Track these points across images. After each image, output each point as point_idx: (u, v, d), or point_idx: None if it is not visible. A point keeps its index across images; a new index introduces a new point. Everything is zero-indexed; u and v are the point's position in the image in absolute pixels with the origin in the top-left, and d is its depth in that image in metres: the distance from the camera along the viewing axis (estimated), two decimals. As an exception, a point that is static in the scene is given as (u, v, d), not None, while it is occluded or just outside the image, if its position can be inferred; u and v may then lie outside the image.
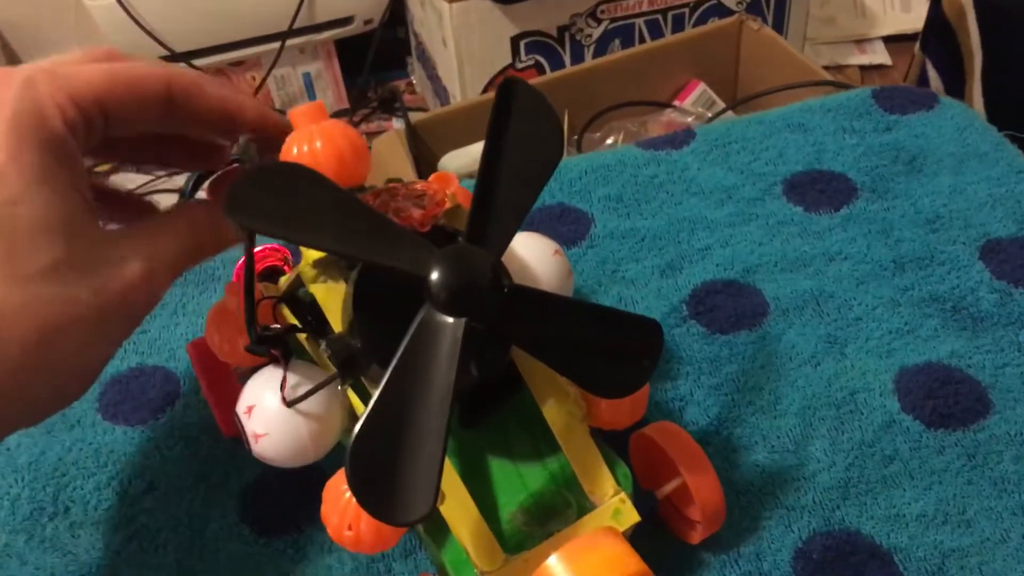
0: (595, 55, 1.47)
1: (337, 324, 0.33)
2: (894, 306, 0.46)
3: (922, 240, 0.49)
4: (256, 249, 0.43)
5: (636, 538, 0.37)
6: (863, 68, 1.69)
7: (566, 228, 0.52)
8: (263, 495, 0.42)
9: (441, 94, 1.56)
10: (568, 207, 0.53)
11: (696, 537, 0.38)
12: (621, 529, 0.34)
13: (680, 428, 0.37)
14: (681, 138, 0.57)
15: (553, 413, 0.35)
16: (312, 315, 0.35)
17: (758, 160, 0.55)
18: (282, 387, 0.34)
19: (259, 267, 0.43)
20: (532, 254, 0.38)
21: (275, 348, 0.34)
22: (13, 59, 1.75)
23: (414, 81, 1.77)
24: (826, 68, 1.68)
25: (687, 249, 0.50)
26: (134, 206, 0.38)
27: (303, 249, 0.34)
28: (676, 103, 1.31)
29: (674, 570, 0.38)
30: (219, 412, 0.42)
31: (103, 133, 0.31)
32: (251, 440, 0.35)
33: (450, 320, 0.30)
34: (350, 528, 0.32)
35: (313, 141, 0.34)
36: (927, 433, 0.41)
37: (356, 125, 1.66)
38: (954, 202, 0.51)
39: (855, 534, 0.38)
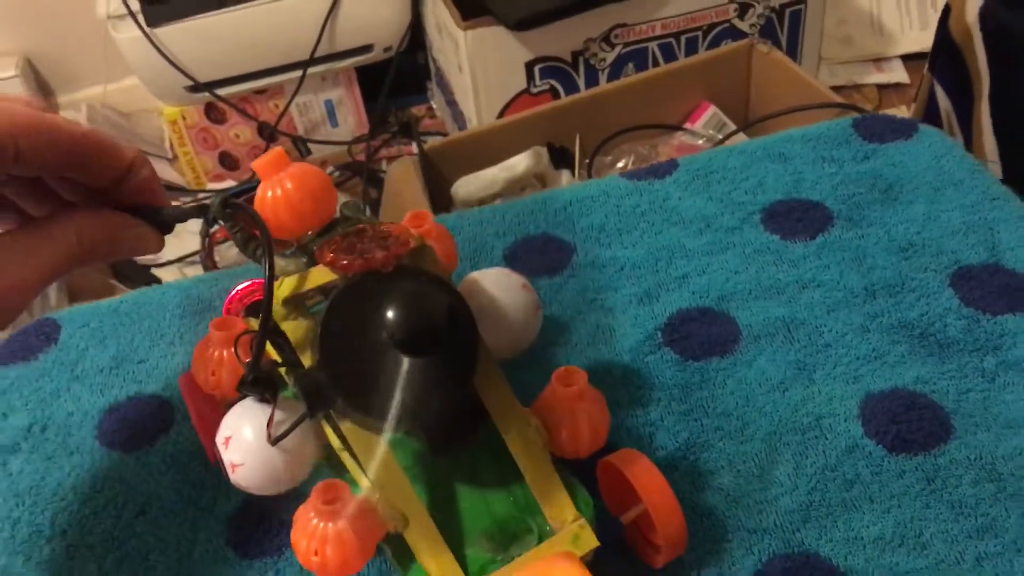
0: (609, 79, 1.49)
1: (307, 359, 0.35)
2: (863, 332, 0.47)
3: (894, 267, 0.50)
4: (242, 285, 0.45)
5: (603, 562, 0.39)
6: (880, 87, 1.69)
7: (548, 258, 0.54)
8: (247, 519, 0.44)
9: (459, 119, 1.59)
10: (551, 237, 0.55)
11: (660, 561, 0.39)
12: (580, 554, 0.35)
13: (643, 455, 0.39)
14: (664, 168, 0.58)
15: (515, 442, 0.36)
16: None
17: (738, 189, 0.56)
18: (269, 425, 0.36)
19: (244, 302, 0.45)
20: (500, 289, 0.40)
21: (266, 389, 0.36)
22: (44, 88, 1.81)
23: (434, 106, 1.80)
24: (843, 88, 1.69)
25: (664, 277, 0.52)
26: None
27: (275, 287, 0.36)
28: (687, 126, 1.32)
29: (637, 592, 0.39)
30: (206, 441, 0.44)
31: (11, 167, 0.34)
32: (229, 469, 0.37)
33: (409, 359, 0.32)
34: (316, 554, 0.33)
35: (284, 184, 0.36)
36: (888, 458, 0.42)
37: (376, 151, 1.69)
38: (927, 230, 0.52)
39: (814, 556, 0.39)
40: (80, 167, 0.36)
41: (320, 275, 0.36)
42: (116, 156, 0.37)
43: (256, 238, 0.37)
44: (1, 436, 0.48)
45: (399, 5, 1.61)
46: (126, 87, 1.76)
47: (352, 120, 1.74)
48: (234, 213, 0.37)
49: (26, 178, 0.37)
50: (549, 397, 0.37)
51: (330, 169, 1.67)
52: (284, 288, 0.35)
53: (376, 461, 0.35)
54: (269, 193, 0.36)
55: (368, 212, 0.40)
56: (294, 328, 0.35)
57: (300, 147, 1.74)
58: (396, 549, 0.36)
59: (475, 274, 0.41)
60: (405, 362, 0.32)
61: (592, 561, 0.37)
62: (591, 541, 0.36)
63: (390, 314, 0.32)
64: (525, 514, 0.37)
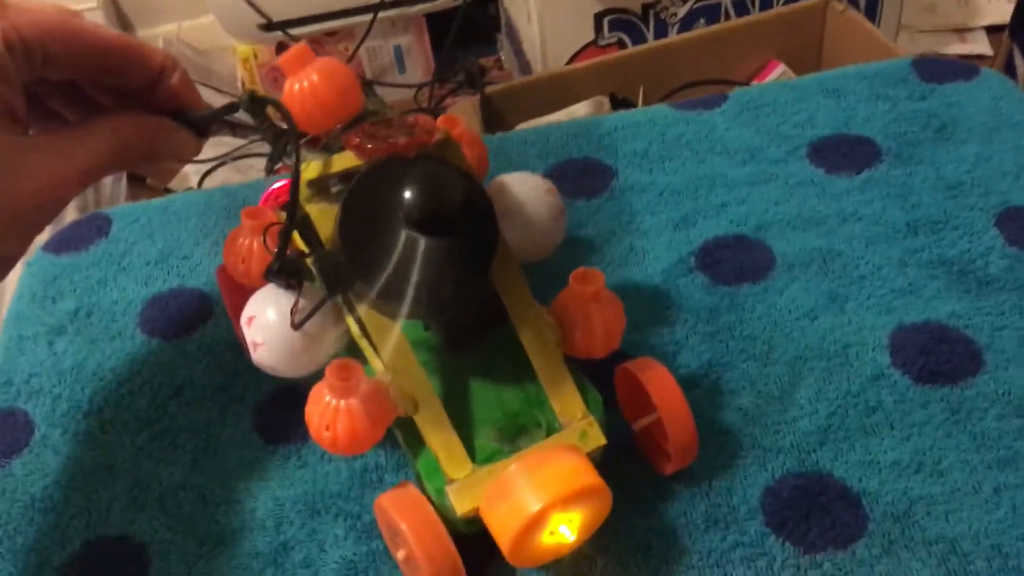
0: (679, 34, 1.46)
1: (329, 242, 0.36)
2: (901, 266, 0.47)
3: (939, 205, 0.49)
4: (279, 183, 0.46)
5: (611, 465, 0.39)
6: (962, 58, 1.64)
7: (588, 180, 0.54)
8: (274, 407, 0.45)
9: (525, 70, 1.58)
10: (593, 160, 0.55)
11: (669, 468, 0.39)
12: (586, 450, 0.36)
13: (661, 365, 0.39)
14: (715, 100, 0.58)
15: (528, 338, 0.37)
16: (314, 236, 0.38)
17: (787, 123, 0.55)
18: (292, 311, 0.36)
19: (280, 200, 0.46)
20: (524, 190, 0.40)
21: (291, 278, 0.37)
22: (124, 21, 1.84)
23: (502, 57, 1.79)
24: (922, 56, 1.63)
25: (703, 205, 0.51)
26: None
27: (301, 170, 0.36)
28: (755, 82, 1.30)
29: (646, 498, 0.39)
30: (237, 327, 0.45)
31: (40, 69, 0.34)
32: (251, 348, 0.38)
33: (424, 239, 0.33)
34: (328, 428, 0.34)
35: (311, 77, 0.37)
36: (914, 388, 0.42)
37: (442, 99, 1.70)
38: (978, 169, 0.51)
39: (827, 476, 0.39)
40: (110, 70, 0.37)
41: (346, 160, 0.36)
42: (146, 59, 0.37)
43: (285, 133, 0.37)
44: (49, 318, 0.50)
45: (472, -48, 1.60)
46: (202, 24, 1.78)
47: (420, 67, 1.75)
48: (262, 107, 0.37)
49: (63, 84, 0.38)
50: (566, 297, 0.37)
51: (392, 111, 1.68)
52: (310, 171, 0.36)
53: (390, 345, 0.35)
54: (296, 87, 0.37)
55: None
56: (318, 211, 0.36)
57: (367, 90, 1.75)
58: (407, 434, 0.37)
59: (501, 176, 0.41)
60: (421, 242, 0.33)
61: (600, 463, 0.37)
62: (598, 439, 0.36)
63: (407, 194, 0.33)
64: (535, 409, 0.37)
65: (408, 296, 0.33)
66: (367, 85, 1.39)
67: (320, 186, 0.36)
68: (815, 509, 0.38)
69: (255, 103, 0.37)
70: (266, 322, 0.37)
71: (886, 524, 0.38)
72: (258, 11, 1.57)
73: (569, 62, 1.46)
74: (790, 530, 0.38)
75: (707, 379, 0.43)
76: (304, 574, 0.39)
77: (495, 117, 1.24)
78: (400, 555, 0.37)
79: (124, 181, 1.43)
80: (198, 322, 0.49)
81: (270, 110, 0.39)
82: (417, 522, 0.35)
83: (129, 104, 0.38)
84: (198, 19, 1.79)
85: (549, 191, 0.41)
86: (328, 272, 0.35)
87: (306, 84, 0.37)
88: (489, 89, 1.24)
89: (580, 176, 0.54)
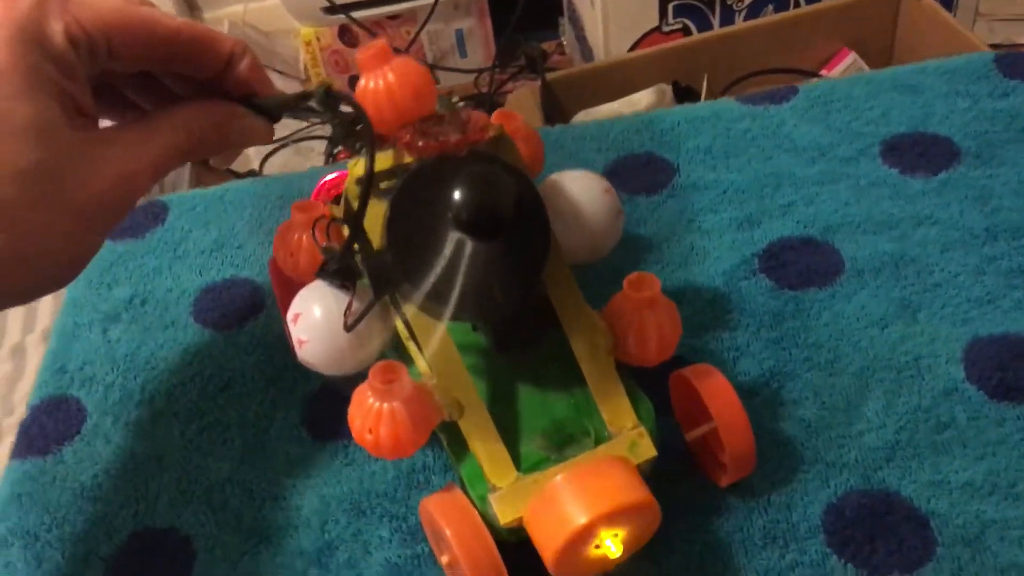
0: (746, 21, 1.43)
1: (377, 241, 0.35)
2: (978, 275, 0.44)
3: (1021, 210, 0.47)
4: (332, 175, 0.46)
5: (664, 476, 0.38)
6: (1044, 48, 1.57)
7: (648, 176, 0.52)
8: (323, 402, 0.44)
9: (587, 55, 1.56)
10: (655, 156, 0.53)
11: (724, 480, 0.38)
12: (636, 462, 0.34)
13: (716, 371, 0.37)
14: (782, 94, 0.56)
15: (579, 343, 0.36)
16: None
17: (859, 119, 0.53)
18: (346, 313, 0.36)
19: (331, 193, 0.45)
20: (580, 189, 0.39)
21: (346, 278, 0.36)
22: (193, 6, 1.86)
23: (564, 43, 1.77)
24: (1000, 46, 1.58)
25: (769, 204, 0.50)
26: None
27: (348, 166, 0.35)
28: (823, 72, 1.26)
29: (700, 511, 0.38)
30: (286, 325, 0.45)
31: (106, 62, 0.34)
32: (296, 345, 0.37)
33: (473, 242, 0.31)
34: (371, 432, 0.33)
35: (387, 76, 0.36)
36: (989, 404, 0.40)
37: (502, 84, 1.68)
38: (1064, 173, 0.48)
39: (894, 495, 0.37)
40: (179, 59, 0.36)
41: (397, 157, 0.35)
42: (214, 47, 0.36)
43: (354, 133, 0.36)
44: (105, 305, 0.50)
45: (536, -65, 1.58)
46: (267, 6, 1.79)
47: (481, 51, 1.74)
48: (335, 103, 0.36)
49: (136, 74, 0.38)
50: (619, 301, 0.36)
51: (455, 99, 1.67)
52: (359, 168, 0.35)
53: (436, 347, 0.34)
54: (371, 84, 0.36)
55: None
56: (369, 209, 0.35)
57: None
58: (452, 439, 0.36)
59: (556, 174, 0.40)
60: (469, 245, 0.32)
61: (651, 475, 0.36)
62: (649, 450, 0.35)
63: (456, 194, 0.31)
64: (584, 417, 0.36)
65: (455, 299, 0.32)
66: (428, 70, 1.36)
67: (374, 186, 0.35)
68: (880, 529, 0.36)
69: (329, 97, 0.36)
70: (312, 320, 0.36)
71: (956, 549, 0.36)
72: (322, -7, 1.57)
73: (632, 48, 1.43)
74: (853, 551, 0.36)
75: (768, 388, 0.42)
76: (348, 575, 0.38)
77: (555, 104, 1.22)
78: (444, 560, 0.36)
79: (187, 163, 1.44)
80: (250, 314, 0.49)
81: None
82: (462, 528, 0.34)
83: (201, 92, 0.38)
84: (263, 1, 1.80)
85: (606, 191, 0.39)
86: (376, 272, 0.34)
87: (381, 83, 0.35)
88: (550, 76, 1.22)
89: (641, 172, 0.52)
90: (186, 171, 1.44)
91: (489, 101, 1.59)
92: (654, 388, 0.38)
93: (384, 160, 0.36)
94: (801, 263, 0.46)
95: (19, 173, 0.31)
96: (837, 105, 0.54)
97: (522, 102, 1.19)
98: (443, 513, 0.34)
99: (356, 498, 0.41)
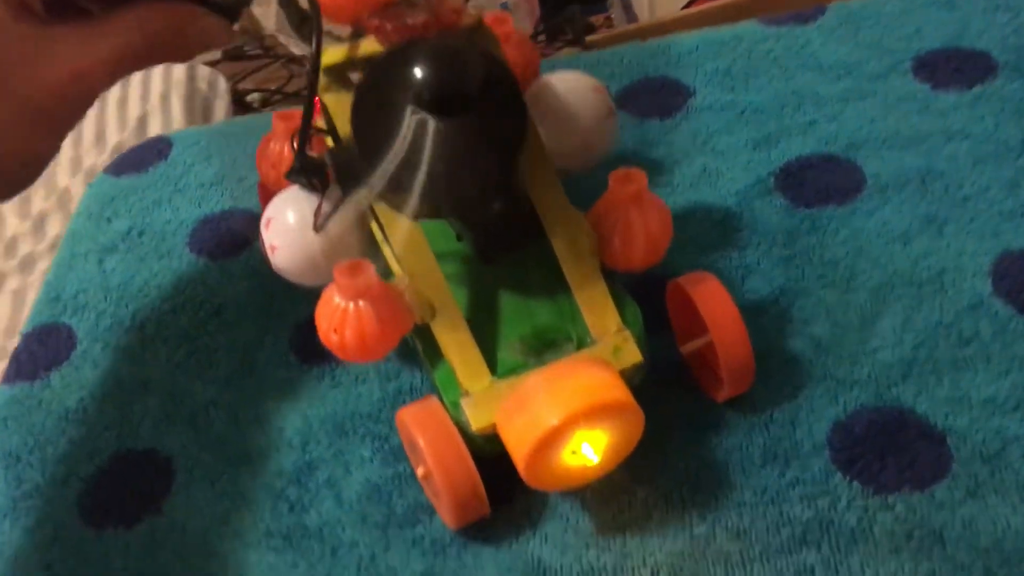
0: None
1: (346, 134, 0.33)
2: (1012, 187, 0.41)
3: (1063, 120, 0.43)
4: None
5: (663, 392, 0.36)
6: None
7: (662, 99, 0.49)
8: (313, 328, 0.42)
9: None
10: (670, 79, 0.51)
11: (721, 395, 0.35)
12: (620, 367, 0.32)
13: (714, 278, 0.34)
14: (810, 14, 0.52)
15: (562, 245, 0.33)
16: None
17: (891, 36, 0.50)
18: (316, 213, 0.34)
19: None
20: (568, 89, 0.36)
21: (314, 176, 0.34)
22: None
23: (612, 16, 1.74)
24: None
25: (789, 123, 0.46)
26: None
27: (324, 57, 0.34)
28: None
29: (699, 429, 0.35)
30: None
31: None
32: (269, 252, 0.36)
33: (435, 121, 0.29)
34: (336, 332, 0.32)
35: None
36: (1018, 319, 0.36)
37: (548, 55, 1.66)
38: (1112, 81, 0.44)
39: (908, 412, 0.34)
40: None
41: (367, 46, 0.33)
42: None
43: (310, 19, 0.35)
44: (103, 237, 0.50)
45: (584, -97, 1.56)
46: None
47: (528, 23, 1.71)
48: None
49: None
50: (604, 200, 0.33)
51: None
52: (328, 57, 0.33)
53: (406, 244, 0.33)
54: None
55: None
56: (335, 101, 0.33)
57: None
58: (426, 345, 0.34)
59: (546, 75, 0.37)
60: (431, 124, 0.29)
61: (641, 385, 0.33)
62: (633, 355, 0.32)
63: (417, 71, 0.29)
64: (567, 323, 0.33)
65: (423, 187, 0.30)
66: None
67: (339, 74, 0.34)
68: (891, 447, 0.33)
69: None
70: (284, 224, 0.35)
71: (974, 465, 0.32)
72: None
73: (681, 16, 1.40)
74: (860, 469, 0.33)
75: (777, 306, 0.39)
76: (327, 494, 0.37)
77: (598, 69, 1.19)
78: (420, 472, 0.34)
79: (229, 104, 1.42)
80: (246, 243, 0.48)
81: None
82: (435, 437, 0.32)
83: None
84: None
85: (596, 89, 0.37)
86: (341, 166, 0.32)
87: None
88: (591, 39, 1.19)
89: (655, 95, 0.50)
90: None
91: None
92: (655, 304, 0.35)
93: (359, 48, 0.34)
94: (820, 181, 0.43)
95: None
96: (867, 23, 0.51)
97: (563, 67, 1.17)
98: (417, 422, 0.32)
99: (339, 419, 0.39)
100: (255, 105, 1.64)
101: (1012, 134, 0.43)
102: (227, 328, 0.44)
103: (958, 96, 0.45)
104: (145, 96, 0.94)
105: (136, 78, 0.97)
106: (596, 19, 1.73)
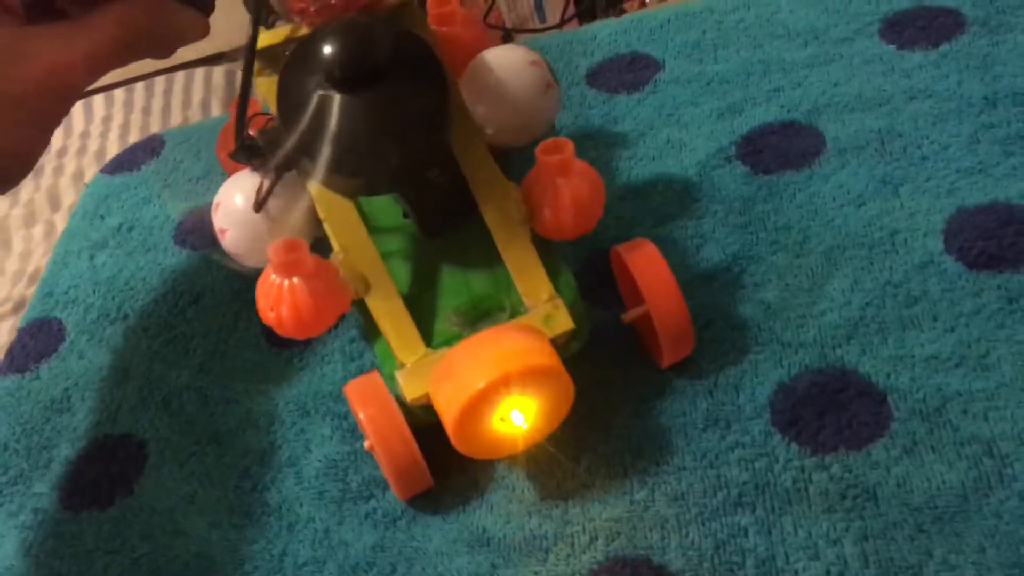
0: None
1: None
2: (971, 144, 0.40)
3: (1029, 75, 0.42)
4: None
5: (610, 360, 0.36)
6: None
7: (631, 75, 0.50)
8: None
9: (663, 8, 1.51)
10: (640, 54, 0.51)
11: (664, 362, 0.35)
12: (551, 335, 0.32)
13: (651, 244, 0.35)
14: (780, -19, 0.52)
15: (492, 216, 0.34)
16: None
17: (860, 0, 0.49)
18: (257, 194, 0.35)
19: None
20: (502, 65, 0.37)
21: (252, 154, 0.35)
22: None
23: (647, 3, 1.72)
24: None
25: (754, 92, 0.46)
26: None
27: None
28: None
29: (644, 396, 0.36)
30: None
31: None
32: (219, 236, 0.37)
33: (347, 97, 0.30)
34: (272, 309, 0.33)
35: None
36: (967, 275, 0.36)
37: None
38: (1081, 32, 0.43)
39: (851, 372, 0.34)
40: None
41: (296, 29, 0.34)
42: None
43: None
44: (96, 234, 0.52)
45: None
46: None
47: (559, 14, 1.71)
48: None
49: None
50: (533, 171, 0.34)
51: (533, 63, 1.65)
52: (262, 41, 0.34)
53: (340, 223, 0.33)
54: None
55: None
56: (267, 85, 0.34)
57: (507, 40, 1.73)
58: (366, 319, 0.34)
59: (481, 52, 0.38)
60: (337, 99, 0.30)
61: (572, 350, 0.34)
62: (565, 323, 0.33)
63: (323, 49, 0.30)
64: (503, 293, 0.34)
65: (342, 162, 0.31)
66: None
67: (272, 57, 0.35)
68: (831, 407, 0.33)
69: None
70: (232, 207, 0.36)
71: (912, 423, 0.32)
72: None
73: None
74: (799, 430, 0.33)
75: (729, 272, 0.39)
76: (288, 472, 0.38)
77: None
78: (366, 445, 0.35)
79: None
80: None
81: None
82: (376, 410, 0.33)
83: None
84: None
85: (533, 63, 0.37)
86: (270, 146, 0.33)
87: None
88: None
89: (623, 71, 0.50)
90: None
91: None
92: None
93: (289, 31, 0.35)
94: (780, 147, 0.43)
95: None
96: (837, -13, 0.50)
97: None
98: (359, 397, 0.33)
99: (303, 399, 0.40)
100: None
101: (975, 90, 0.42)
102: (204, 315, 0.45)
103: (923, 55, 0.45)
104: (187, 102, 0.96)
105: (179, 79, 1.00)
106: (629, 5, 1.72)
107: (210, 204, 0.50)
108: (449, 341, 0.33)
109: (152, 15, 0.37)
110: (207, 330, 0.44)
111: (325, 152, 0.31)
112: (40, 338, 0.47)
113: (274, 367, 0.42)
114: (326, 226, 0.35)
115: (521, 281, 0.34)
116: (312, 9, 0.33)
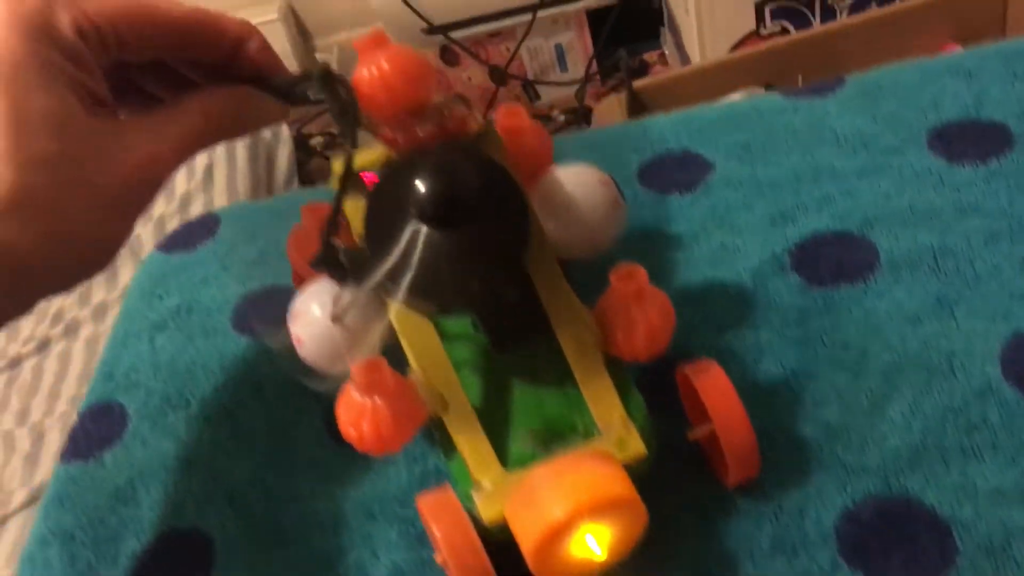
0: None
1: (360, 237, 0.36)
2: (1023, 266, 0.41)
3: (1079, 196, 0.43)
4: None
5: (672, 477, 0.37)
6: None
7: (683, 174, 0.51)
8: (344, 407, 0.45)
9: (686, 63, 1.54)
10: (691, 153, 0.52)
11: (730, 481, 0.36)
12: (623, 459, 0.33)
13: (716, 365, 0.36)
14: (828, 85, 0.53)
15: (566, 338, 0.35)
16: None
17: (907, 108, 0.50)
18: (335, 304, 0.36)
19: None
20: (574, 183, 0.38)
21: (336, 267, 0.36)
22: (303, 29, 1.93)
23: (666, 52, 1.75)
24: None
25: (805, 199, 0.47)
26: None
27: (332, 163, 0.36)
28: (926, 68, 1.20)
29: (708, 516, 0.37)
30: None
31: (117, 52, 0.35)
32: (296, 344, 0.38)
33: (436, 232, 0.31)
34: (354, 427, 0.34)
35: (381, 64, 0.36)
36: (1026, 404, 0.37)
37: (603, 96, 1.67)
38: None
39: (915, 502, 0.35)
40: (188, 46, 0.38)
41: (380, 153, 0.36)
42: (221, 31, 0.38)
43: (349, 117, 0.37)
44: (154, 314, 0.53)
45: (631, -55, 1.57)
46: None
47: (581, 65, 1.73)
48: (332, 85, 0.37)
49: (149, 64, 0.39)
50: (607, 295, 0.35)
51: (556, 112, 1.68)
52: (342, 164, 0.35)
53: (419, 342, 0.35)
54: (366, 72, 0.36)
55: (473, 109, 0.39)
56: (351, 206, 0.36)
57: (529, 91, 1.76)
58: (442, 436, 0.35)
59: (553, 168, 0.39)
60: (429, 234, 0.32)
61: (644, 473, 0.35)
62: (637, 448, 0.34)
63: (414, 184, 0.32)
64: (575, 414, 0.35)
65: (429, 290, 0.32)
66: (529, 86, 1.39)
67: (356, 178, 0.36)
68: (897, 538, 0.34)
69: (326, 79, 0.36)
70: (309, 317, 0.37)
71: (978, 558, 0.33)
72: (421, 17, 1.61)
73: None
74: (865, 561, 0.34)
75: (788, 389, 0.40)
76: (356, 577, 0.38)
77: (642, 112, 1.21)
78: (438, 558, 0.36)
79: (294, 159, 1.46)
80: (285, 321, 0.50)
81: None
82: (449, 528, 0.33)
83: (214, 76, 0.39)
84: (367, 26, 1.85)
85: (602, 182, 0.39)
86: (355, 265, 0.34)
87: (375, 70, 0.36)
88: (639, 83, 1.21)
89: (675, 170, 0.51)
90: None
91: (581, 110, 1.59)
92: (671, 386, 0.37)
93: (376, 158, 0.36)
94: (834, 258, 0.44)
95: (43, 161, 0.33)
96: (885, 94, 0.51)
97: (609, 110, 1.19)
98: (432, 512, 0.34)
99: (368, 502, 0.41)
100: (318, 149, 1.69)
101: (1026, 210, 0.43)
102: (266, 406, 0.46)
103: (973, 170, 0.46)
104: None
105: None
106: (650, 56, 1.75)
107: (267, 289, 0.52)
108: (524, 462, 0.34)
109: (235, 104, 0.39)
110: (270, 423, 0.45)
111: (410, 279, 0.32)
112: (103, 423, 0.47)
113: (338, 465, 0.43)
114: (404, 344, 0.36)
115: (594, 404, 0.35)
116: (400, 139, 0.34)
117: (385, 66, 0.36)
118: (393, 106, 0.37)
